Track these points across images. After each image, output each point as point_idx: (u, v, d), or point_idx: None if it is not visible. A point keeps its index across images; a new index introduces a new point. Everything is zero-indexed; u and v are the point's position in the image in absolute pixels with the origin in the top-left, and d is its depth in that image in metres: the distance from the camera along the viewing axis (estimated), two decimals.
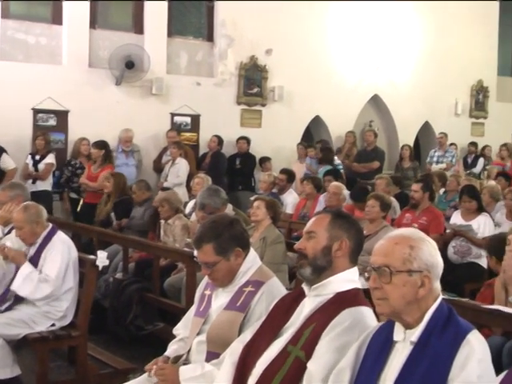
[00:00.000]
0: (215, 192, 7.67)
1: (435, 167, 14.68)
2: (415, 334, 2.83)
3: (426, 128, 16.83)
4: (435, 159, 15.34)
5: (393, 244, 2.88)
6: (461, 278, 7.77)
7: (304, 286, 3.47)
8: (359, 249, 3.51)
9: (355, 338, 3.09)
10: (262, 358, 3.35)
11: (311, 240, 3.41)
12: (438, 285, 2.93)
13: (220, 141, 13.55)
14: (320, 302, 3.35)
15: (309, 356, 3.18)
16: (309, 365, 3.15)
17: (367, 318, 3.23)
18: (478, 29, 17.35)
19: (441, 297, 2.94)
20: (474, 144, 16.80)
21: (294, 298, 3.53)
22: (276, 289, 3.91)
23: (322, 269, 3.37)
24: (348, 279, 3.40)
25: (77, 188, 11.95)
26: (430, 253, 2.89)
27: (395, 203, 10.28)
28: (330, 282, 3.37)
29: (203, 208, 7.49)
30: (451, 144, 16.28)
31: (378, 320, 3.21)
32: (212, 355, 3.80)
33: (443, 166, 14.73)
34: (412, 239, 2.89)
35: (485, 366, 2.73)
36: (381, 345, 2.94)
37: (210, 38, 14.27)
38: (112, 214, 10.04)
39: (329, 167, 13.32)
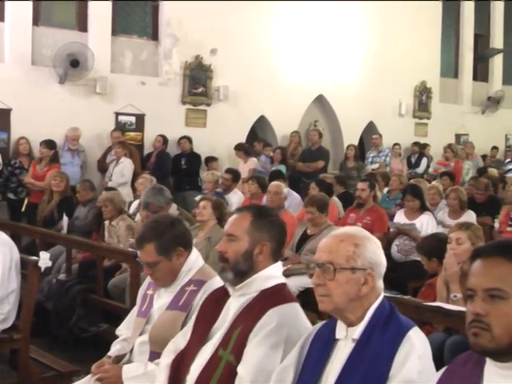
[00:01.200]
0: (159, 191, 7.66)
1: (369, 168, 14.84)
2: (357, 331, 2.85)
3: (370, 128, 16.98)
4: (370, 160, 15.54)
5: (338, 241, 2.90)
6: (404, 276, 7.84)
7: (228, 286, 3.46)
8: (281, 246, 3.53)
9: (283, 337, 3.11)
10: (195, 363, 3.34)
11: (232, 243, 3.39)
12: (380, 283, 2.96)
13: (165, 140, 13.48)
14: (245, 302, 3.34)
15: (239, 360, 3.17)
16: (239, 369, 3.14)
17: (293, 315, 3.24)
18: (421, 30, 17.59)
19: (383, 294, 2.96)
20: (417, 144, 17.00)
21: (219, 298, 3.52)
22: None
23: (244, 273, 3.37)
24: (271, 275, 3.39)
25: (15, 188, 11.70)
26: (374, 251, 2.92)
27: (338, 203, 10.37)
28: (254, 280, 3.37)
29: (147, 207, 7.46)
30: (395, 144, 16.47)
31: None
32: (155, 355, 3.78)
33: (376, 166, 14.89)
34: (357, 237, 2.91)
35: (425, 362, 2.76)
36: (323, 343, 2.94)
37: (154, 37, 14.17)
38: (55, 213, 9.92)
39: (282, 166, 13.40)
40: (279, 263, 3.47)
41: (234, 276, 3.37)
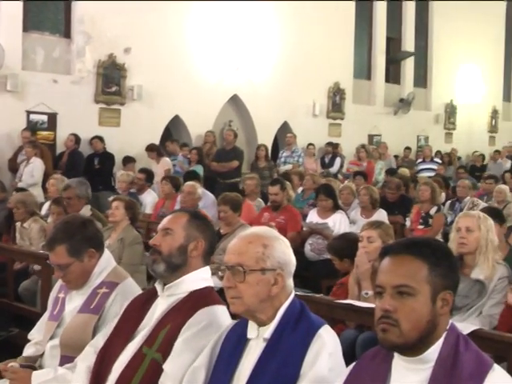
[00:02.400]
0: (85, 184, 8.06)
1: (283, 168, 14.94)
2: (268, 330, 2.87)
3: (284, 128, 17.09)
4: (283, 160, 15.64)
5: (246, 243, 2.90)
6: (317, 274, 7.92)
7: (157, 286, 3.43)
8: (212, 250, 3.54)
9: (211, 337, 3.09)
10: (118, 361, 3.28)
11: (167, 237, 3.38)
12: (290, 282, 2.97)
13: (77, 139, 13.27)
14: (174, 302, 3.33)
15: (165, 358, 3.15)
16: (165, 366, 3.12)
17: (222, 317, 3.23)
18: (335, 32, 17.83)
19: (293, 293, 2.98)
20: (331, 144, 17.19)
21: (146, 299, 3.48)
22: (131, 290, 3.86)
23: (177, 267, 3.35)
24: (201, 278, 3.40)
25: None
26: (283, 251, 2.93)
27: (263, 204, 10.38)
28: (184, 280, 3.36)
29: (66, 188, 7.67)
30: (309, 144, 16.63)
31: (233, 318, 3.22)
32: (66, 359, 3.71)
33: (289, 166, 15.00)
34: (265, 238, 2.92)
35: (335, 360, 2.80)
36: (235, 343, 2.95)
37: (67, 34, 13.92)
38: None
39: (199, 167, 13.36)
40: (208, 267, 3.47)
41: (165, 268, 3.34)
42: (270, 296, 2.87)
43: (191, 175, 11.26)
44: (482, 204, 10.12)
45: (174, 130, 15.66)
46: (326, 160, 16.81)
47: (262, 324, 2.90)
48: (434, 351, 2.37)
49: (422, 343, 2.37)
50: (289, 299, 2.93)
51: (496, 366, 2.36)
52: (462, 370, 2.31)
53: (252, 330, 2.93)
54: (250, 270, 2.85)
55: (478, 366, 2.33)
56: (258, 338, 2.90)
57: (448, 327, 2.43)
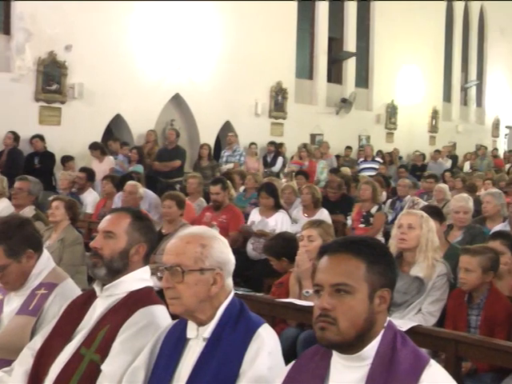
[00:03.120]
0: (40, 185, 8.56)
1: (225, 167, 14.95)
2: (207, 330, 2.86)
3: (226, 127, 17.08)
4: (225, 159, 15.64)
5: (184, 243, 2.89)
6: (259, 273, 7.92)
7: (95, 287, 3.40)
8: (152, 251, 3.52)
9: (150, 338, 3.07)
10: (55, 363, 3.24)
11: (109, 240, 3.34)
12: (230, 281, 2.97)
13: (16, 137, 13.05)
14: (113, 302, 3.30)
15: (104, 359, 3.12)
16: (103, 367, 3.09)
17: (161, 317, 3.22)
18: (277, 32, 17.88)
19: (233, 293, 2.98)
20: (273, 143, 17.23)
21: (85, 300, 3.45)
22: (70, 291, 3.81)
23: (117, 271, 3.33)
24: (140, 278, 3.38)
25: None
26: (222, 250, 2.93)
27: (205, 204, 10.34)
28: (122, 281, 3.33)
29: (22, 179, 8.16)
30: (251, 143, 16.66)
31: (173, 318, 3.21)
32: (4, 362, 3.62)
33: (231, 165, 15.01)
34: (203, 238, 2.91)
35: (275, 358, 2.81)
36: (174, 343, 2.94)
37: (6, 30, 13.68)
38: None
39: (140, 166, 13.27)
40: (148, 267, 3.45)
41: (106, 273, 3.32)
42: (209, 296, 2.86)
43: (126, 177, 11.09)
44: (423, 203, 10.25)
45: (115, 129, 15.53)
46: (268, 159, 16.85)
47: (201, 324, 2.89)
48: (371, 348, 2.39)
49: (360, 341, 2.39)
50: (228, 298, 2.93)
51: (433, 362, 2.39)
52: (399, 367, 2.34)
53: (191, 329, 2.92)
54: (189, 270, 2.84)
55: (415, 362, 2.36)
56: (197, 337, 2.89)
57: (386, 324, 2.45)
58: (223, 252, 2.93)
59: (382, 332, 2.43)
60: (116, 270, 3.33)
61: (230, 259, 2.97)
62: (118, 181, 10.41)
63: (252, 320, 2.90)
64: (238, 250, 8.88)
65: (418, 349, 2.45)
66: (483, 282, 4.89)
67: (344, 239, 2.57)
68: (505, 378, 4.47)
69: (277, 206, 9.01)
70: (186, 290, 2.85)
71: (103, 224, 3.42)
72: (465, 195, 8.17)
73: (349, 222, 10.01)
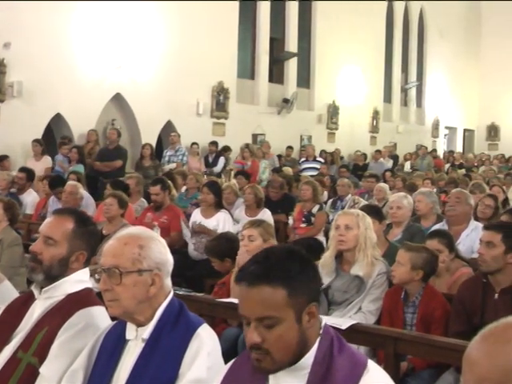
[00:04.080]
0: None
1: (167, 167, 14.88)
2: (146, 331, 2.85)
3: (168, 127, 17.00)
4: (167, 159, 15.58)
5: (122, 244, 2.87)
6: (201, 273, 7.91)
7: (34, 289, 3.36)
8: (93, 254, 3.51)
9: (89, 339, 3.04)
10: None
11: (50, 247, 3.30)
12: (168, 281, 2.96)
13: None
14: (51, 305, 3.26)
15: (42, 361, 3.07)
16: (41, 369, 3.05)
17: (100, 319, 3.19)
18: (219, 32, 17.88)
19: (172, 293, 2.96)
20: (214, 143, 17.22)
21: (23, 302, 3.40)
22: (7, 293, 3.76)
23: (56, 277, 3.30)
24: (79, 280, 3.35)
25: None
26: (160, 251, 2.91)
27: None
28: (61, 283, 3.30)
29: None
30: (193, 143, 16.61)
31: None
32: None
33: (173, 165, 14.95)
34: (141, 238, 2.89)
35: (214, 358, 2.82)
36: (113, 344, 2.92)
37: None
38: None
39: (80, 166, 13.11)
40: (87, 269, 3.42)
41: (44, 278, 3.27)
42: (147, 297, 2.85)
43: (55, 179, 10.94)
44: (363, 202, 10.36)
45: (55, 128, 15.33)
46: (210, 159, 16.83)
47: (140, 325, 2.88)
48: (308, 357, 2.36)
49: (297, 358, 2.35)
50: (167, 299, 2.92)
51: (371, 366, 2.38)
52: (337, 374, 2.32)
53: (130, 330, 2.91)
54: (127, 271, 2.82)
55: (353, 368, 2.34)
56: (136, 338, 2.88)
57: (322, 331, 2.41)
58: (161, 252, 2.91)
59: (319, 339, 2.39)
60: (54, 277, 3.29)
61: (168, 259, 2.95)
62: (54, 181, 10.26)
63: (191, 320, 2.89)
64: (180, 250, 8.86)
65: (355, 353, 2.44)
66: (411, 279, 4.95)
67: (259, 267, 2.34)
68: (442, 374, 4.55)
69: (218, 206, 8.98)
70: (124, 292, 2.82)
71: (44, 228, 3.36)
72: (401, 193, 8.29)
73: (290, 221, 10.06)
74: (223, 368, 2.68)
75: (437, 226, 7.44)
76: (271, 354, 2.30)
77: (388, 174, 15.66)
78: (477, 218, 7.78)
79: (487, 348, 1.76)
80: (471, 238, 7.08)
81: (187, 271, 8.31)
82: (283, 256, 2.38)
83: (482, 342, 1.79)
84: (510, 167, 22.77)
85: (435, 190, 11.79)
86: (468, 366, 1.79)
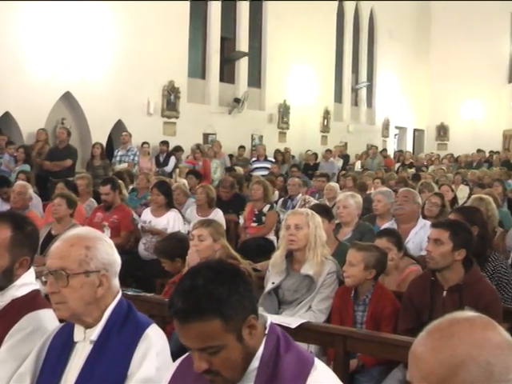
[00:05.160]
0: None
1: (118, 167, 14.77)
2: (94, 332, 2.83)
3: (119, 126, 16.87)
4: (118, 158, 15.46)
5: (68, 246, 2.84)
6: (152, 273, 7.87)
7: None
8: (35, 253, 3.45)
9: (37, 343, 3.00)
10: None
11: None
12: (116, 282, 2.93)
13: None
14: None
15: None
16: None
17: (48, 322, 3.15)
18: (170, 31, 17.80)
19: (120, 293, 2.94)
20: (165, 143, 17.15)
21: None
22: None
23: (2, 288, 3.24)
24: (24, 283, 3.29)
25: None
26: (107, 251, 2.89)
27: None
28: (8, 289, 3.25)
29: None
30: (144, 143, 16.50)
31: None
32: None
33: (125, 165, 14.85)
34: (87, 239, 2.86)
35: (163, 358, 2.81)
36: (61, 346, 2.89)
37: None
38: None
39: (27, 166, 12.94)
40: (32, 270, 3.36)
41: None
42: (95, 298, 2.83)
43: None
44: (314, 201, 10.40)
45: (4, 128, 15.10)
46: (161, 159, 16.75)
47: (88, 326, 2.85)
48: (256, 359, 2.35)
49: (248, 366, 2.35)
50: (115, 300, 2.90)
51: (318, 364, 2.38)
52: (285, 373, 2.32)
53: (78, 332, 2.88)
54: (74, 273, 2.79)
55: (300, 367, 2.34)
56: (84, 340, 2.85)
57: (267, 331, 2.40)
58: (108, 253, 2.89)
59: (265, 339, 2.38)
60: (1, 288, 3.23)
61: (116, 259, 2.92)
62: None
63: (140, 321, 2.88)
64: (130, 250, 8.81)
65: (302, 351, 2.44)
66: (365, 279, 4.99)
67: (187, 302, 2.25)
68: (391, 371, 4.60)
69: (169, 205, 8.94)
70: (72, 294, 2.79)
71: None
72: (348, 192, 8.34)
73: (241, 221, 10.08)
74: (171, 366, 2.66)
75: (386, 225, 7.52)
76: (221, 374, 2.30)
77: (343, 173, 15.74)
78: (425, 217, 7.87)
79: (432, 343, 1.79)
80: (420, 236, 7.16)
81: (138, 271, 8.28)
82: (209, 280, 2.28)
83: (428, 337, 1.81)
84: (459, 166, 23.11)
85: None
86: (413, 361, 1.82)
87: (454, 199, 10.83)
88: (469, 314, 1.86)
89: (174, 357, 2.86)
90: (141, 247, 8.67)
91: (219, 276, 2.30)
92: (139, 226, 8.87)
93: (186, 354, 2.60)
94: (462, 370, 1.73)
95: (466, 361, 1.73)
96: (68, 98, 15.89)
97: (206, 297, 2.23)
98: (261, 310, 5.04)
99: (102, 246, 2.87)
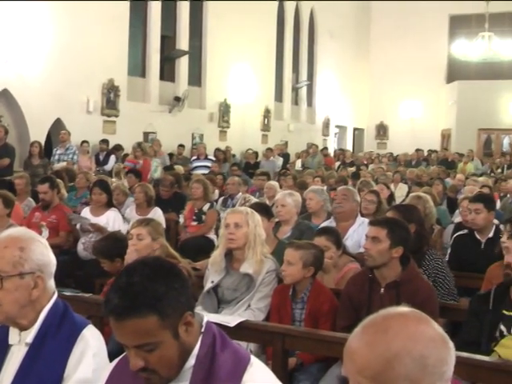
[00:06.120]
0: None
1: (57, 166, 14.58)
2: (30, 335, 2.79)
3: (58, 125, 16.66)
4: (57, 157, 15.26)
5: (2, 248, 2.79)
6: (91, 273, 7.81)
7: None
8: None
9: None
10: None
11: None
12: (51, 283, 2.90)
13: None
14: None
15: None
16: None
17: None
18: (109, 29, 17.65)
19: (56, 294, 2.91)
20: (105, 141, 17.00)
21: None
22: None
23: None
24: None
25: None
26: (42, 252, 2.85)
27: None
28: None
29: None
30: (83, 141, 16.32)
31: None
32: None
33: (64, 164, 14.67)
34: (21, 240, 2.81)
35: (100, 360, 2.79)
36: None
37: None
38: None
39: None
40: None
41: None
42: (30, 300, 2.79)
43: None
44: (254, 200, 10.40)
45: None
46: (101, 157, 16.61)
47: (23, 328, 2.82)
48: (192, 357, 2.35)
49: (183, 364, 2.35)
50: (51, 301, 2.87)
51: (254, 362, 2.39)
52: (220, 371, 2.32)
53: (13, 335, 2.84)
54: (8, 275, 2.75)
55: (236, 364, 2.34)
56: (19, 343, 2.82)
57: (203, 329, 2.40)
58: (43, 254, 2.85)
59: (201, 338, 2.38)
60: None
61: (51, 260, 2.89)
62: None
63: (76, 322, 2.85)
64: (69, 250, 8.72)
65: (238, 349, 2.43)
66: (303, 277, 5.02)
67: (123, 299, 2.23)
68: (330, 367, 4.64)
69: (108, 204, 8.86)
70: (6, 297, 2.75)
71: None
72: (286, 191, 8.38)
73: (181, 219, 10.04)
74: (108, 367, 2.64)
75: (325, 223, 7.58)
76: (157, 372, 2.28)
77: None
78: (362, 215, 7.95)
79: (367, 338, 1.82)
80: (358, 234, 7.23)
81: (77, 271, 8.19)
82: (146, 277, 2.27)
83: (362, 332, 1.84)
84: (398, 165, 23.40)
85: (325, 187, 11.98)
86: (349, 355, 1.84)
87: (391, 197, 10.97)
88: (402, 309, 1.90)
89: (113, 357, 2.84)
90: (80, 247, 8.58)
91: (156, 273, 2.29)
92: (78, 227, 8.77)
93: (123, 354, 2.58)
94: (398, 364, 1.77)
95: (400, 354, 1.77)
96: (5, 96, 15.64)
97: (142, 293, 2.22)
98: (200, 309, 5.08)
99: (36, 246, 2.83)
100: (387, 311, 1.88)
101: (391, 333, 1.80)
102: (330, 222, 7.56)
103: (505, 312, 4.40)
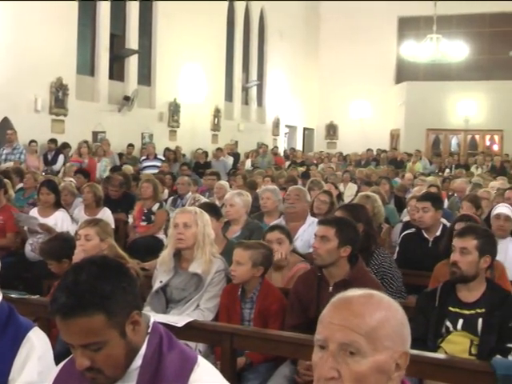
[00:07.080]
0: None
1: (3, 166, 14.38)
2: None
3: (5, 124, 16.41)
4: (3, 157, 15.06)
5: None
6: (39, 274, 7.71)
7: None
8: None
9: None
10: None
11: None
12: None
13: None
14: None
15: None
16: None
17: None
18: (57, 27, 17.46)
19: (0, 297, 2.88)
20: (53, 141, 16.82)
21: None
22: None
23: None
24: None
25: None
26: None
27: None
28: None
29: None
30: (31, 141, 16.12)
31: None
32: None
33: (11, 164, 14.48)
34: None
35: (45, 362, 2.77)
36: None
37: None
38: None
39: None
40: None
41: None
42: None
43: None
44: (204, 200, 10.39)
45: None
46: (49, 157, 16.42)
47: None
48: (138, 357, 2.35)
49: (129, 364, 2.34)
50: None
51: (201, 362, 2.40)
52: (167, 371, 2.32)
53: None
54: None
55: (183, 365, 2.35)
56: None
57: (150, 329, 2.40)
58: None
59: (147, 338, 2.38)
60: None
61: None
62: None
63: (21, 324, 2.82)
64: (17, 251, 8.59)
65: (185, 350, 2.44)
66: (253, 277, 5.03)
67: (70, 297, 2.22)
68: (279, 367, 4.65)
69: (57, 205, 8.76)
70: None
71: None
72: (234, 191, 8.40)
73: (130, 220, 9.99)
74: (54, 369, 2.62)
75: (275, 222, 7.60)
76: (103, 371, 2.27)
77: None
78: (314, 214, 7.99)
79: (362, 300, 2.08)
80: (308, 233, 7.26)
81: (25, 273, 8.08)
82: (93, 276, 2.27)
83: (349, 301, 2.09)
84: (348, 165, 23.58)
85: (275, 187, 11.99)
86: (342, 316, 2.02)
87: (339, 196, 11.05)
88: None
89: (60, 359, 2.82)
90: (27, 248, 8.46)
91: (103, 271, 2.30)
92: (25, 228, 8.65)
93: (70, 356, 2.56)
94: (387, 324, 2.01)
95: (388, 316, 2.02)
96: None
97: (89, 292, 2.21)
98: (149, 310, 5.06)
99: None
100: (355, 290, 2.13)
101: (376, 300, 2.07)
102: (280, 222, 7.58)
103: (451, 309, 4.47)
